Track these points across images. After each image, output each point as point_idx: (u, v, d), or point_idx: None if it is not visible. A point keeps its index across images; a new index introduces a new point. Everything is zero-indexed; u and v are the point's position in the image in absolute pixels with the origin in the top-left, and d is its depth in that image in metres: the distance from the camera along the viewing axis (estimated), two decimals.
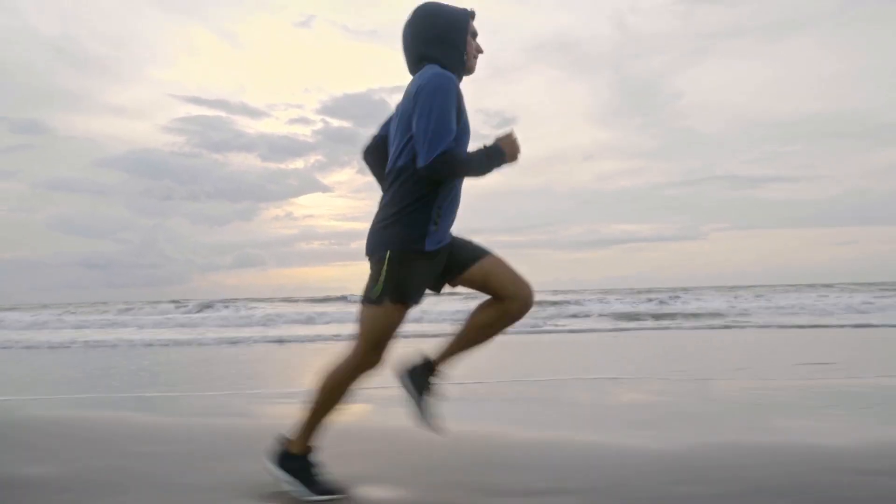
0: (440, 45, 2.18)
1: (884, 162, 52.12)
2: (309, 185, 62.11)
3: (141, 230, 57.19)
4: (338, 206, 63.58)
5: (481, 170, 2.14)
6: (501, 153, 2.15)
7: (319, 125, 55.22)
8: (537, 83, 58.75)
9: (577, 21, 56.89)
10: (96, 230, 58.06)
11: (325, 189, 61.54)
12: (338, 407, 2.27)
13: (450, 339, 2.36)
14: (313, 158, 57.71)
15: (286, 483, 2.26)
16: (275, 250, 63.15)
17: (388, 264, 2.12)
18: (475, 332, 2.32)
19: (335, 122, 55.92)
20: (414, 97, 2.08)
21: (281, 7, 59.66)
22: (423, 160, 2.03)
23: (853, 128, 52.58)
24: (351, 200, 61.66)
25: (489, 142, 2.17)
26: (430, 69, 2.12)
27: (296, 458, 2.27)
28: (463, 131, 2.14)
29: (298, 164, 57.99)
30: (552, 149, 60.06)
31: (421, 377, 2.35)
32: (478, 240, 2.35)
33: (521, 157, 2.20)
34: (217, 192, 57.21)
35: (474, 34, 2.27)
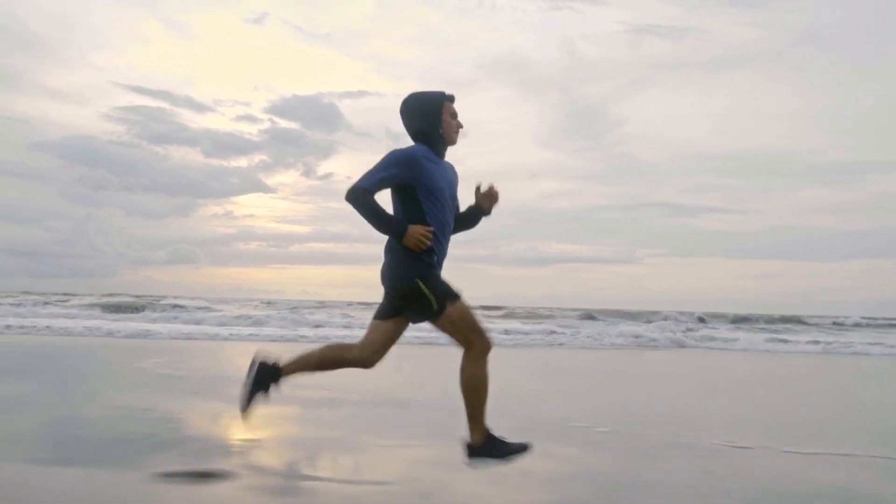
0: (419, 125, 2.80)
1: (807, 202, 55.26)
2: (251, 184, 58.94)
3: (72, 219, 52.48)
4: (280, 208, 60.25)
5: (375, 226, 2.68)
6: (400, 234, 2.66)
7: (266, 125, 51.83)
8: (488, 100, 58.88)
9: (529, 42, 57.44)
10: (25, 216, 52.94)
11: (267, 190, 59.12)
12: (486, 394, 2.74)
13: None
14: (258, 158, 53.55)
15: (485, 461, 2.76)
16: (210, 248, 60.21)
17: (424, 285, 2.66)
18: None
19: (283, 123, 52.63)
20: None
21: (235, 1, 57.35)
22: (352, 185, 2.66)
23: (783, 167, 55.35)
24: (293, 203, 59.00)
25: (404, 225, 2.66)
26: (411, 147, 2.77)
27: (483, 447, 2.76)
28: (428, 191, 2.70)
29: (242, 162, 53.71)
30: (499, 165, 60.41)
31: (267, 378, 2.85)
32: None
33: (420, 246, 2.66)
34: (154, 185, 53.25)
35: (454, 114, 2.83)
